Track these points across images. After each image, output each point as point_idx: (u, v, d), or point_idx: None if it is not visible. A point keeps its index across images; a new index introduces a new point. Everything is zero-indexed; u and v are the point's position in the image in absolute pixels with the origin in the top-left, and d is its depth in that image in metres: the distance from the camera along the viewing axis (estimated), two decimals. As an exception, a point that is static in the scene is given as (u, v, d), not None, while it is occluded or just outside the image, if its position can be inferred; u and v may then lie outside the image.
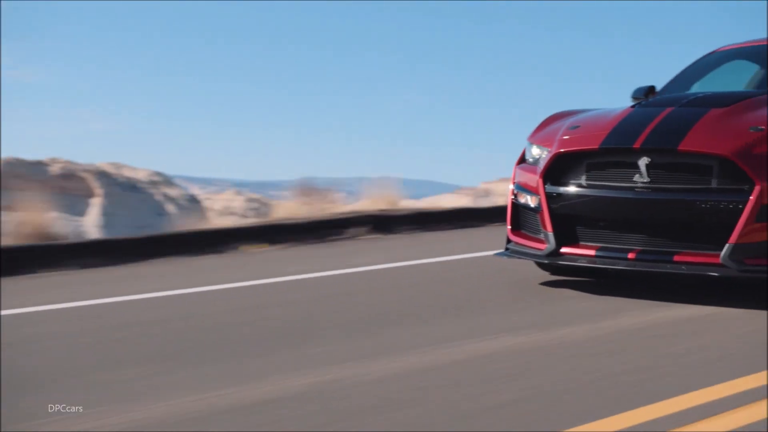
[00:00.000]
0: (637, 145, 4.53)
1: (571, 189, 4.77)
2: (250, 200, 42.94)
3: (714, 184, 4.39)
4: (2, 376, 3.27)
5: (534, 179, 4.91)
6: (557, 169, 4.83)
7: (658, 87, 5.94)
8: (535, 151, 5.09)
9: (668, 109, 4.76)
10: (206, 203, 42.72)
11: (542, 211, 4.82)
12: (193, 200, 49.50)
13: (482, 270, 5.84)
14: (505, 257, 5.20)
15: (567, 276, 5.29)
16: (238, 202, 44.19)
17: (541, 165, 4.89)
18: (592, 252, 4.70)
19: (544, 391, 3.05)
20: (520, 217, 5.14)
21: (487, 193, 23.14)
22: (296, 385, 3.10)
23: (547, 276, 5.34)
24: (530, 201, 4.96)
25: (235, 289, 5.39)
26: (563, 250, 4.76)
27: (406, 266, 6.17)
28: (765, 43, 6.19)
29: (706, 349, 3.67)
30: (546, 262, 4.92)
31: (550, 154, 4.84)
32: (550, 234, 4.77)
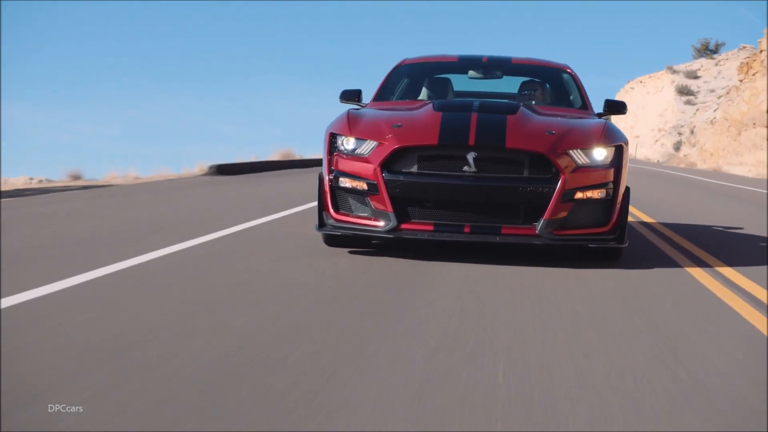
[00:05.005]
0: (471, 142, 5.40)
1: (407, 177, 5.44)
2: None
3: (527, 173, 5.41)
4: None
5: (368, 167, 5.48)
6: (392, 160, 5.49)
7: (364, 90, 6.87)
8: (352, 144, 5.65)
9: (474, 115, 5.67)
10: None
11: (381, 194, 5.43)
12: None
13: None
14: (327, 233, 5.77)
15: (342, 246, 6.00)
16: None
17: (376, 156, 5.48)
18: (430, 227, 5.43)
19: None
20: (343, 200, 5.67)
21: None
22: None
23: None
24: (360, 186, 5.52)
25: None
26: (403, 226, 5.48)
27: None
28: (439, 60, 7.63)
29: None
30: (389, 236, 5.49)
31: (390, 148, 5.45)
32: (391, 213, 5.43)
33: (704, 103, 50.96)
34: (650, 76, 62.09)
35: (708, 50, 60.10)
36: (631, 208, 9.72)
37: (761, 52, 30.33)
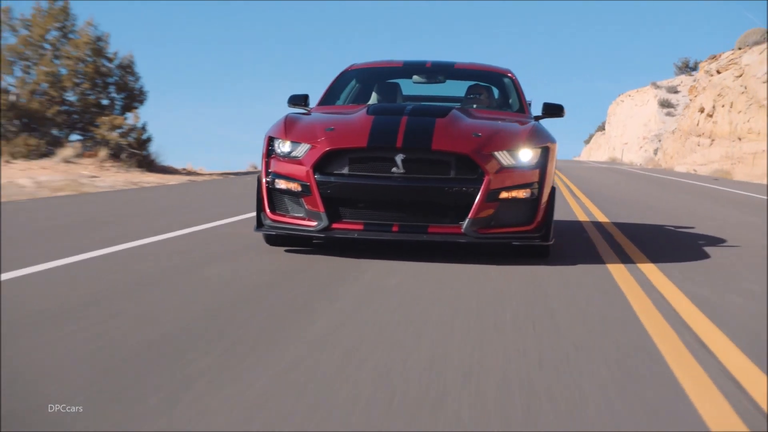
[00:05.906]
0: (399, 144, 5.47)
1: (338, 178, 5.53)
2: None
3: (453, 174, 5.47)
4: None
5: (302, 170, 5.58)
6: (324, 163, 5.57)
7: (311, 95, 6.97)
8: (287, 147, 5.74)
9: (404, 118, 5.76)
10: None
11: (313, 195, 5.52)
12: None
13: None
14: (264, 233, 5.90)
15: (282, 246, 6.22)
16: None
17: (309, 158, 5.58)
18: (360, 226, 5.52)
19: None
20: (279, 201, 5.77)
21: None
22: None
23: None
24: (294, 187, 5.62)
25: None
26: (334, 226, 5.56)
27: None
28: (385, 65, 7.84)
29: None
30: (322, 235, 5.61)
31: (321, 151, 5.54)
32: (323, 213, 5.52)
33: (682, 115, 54.31)
34: (637, 91, 68.59)
35: (687, 68, 64.73)
36: (567, 180, 16.42)
37: (696, 81, 38.48)
